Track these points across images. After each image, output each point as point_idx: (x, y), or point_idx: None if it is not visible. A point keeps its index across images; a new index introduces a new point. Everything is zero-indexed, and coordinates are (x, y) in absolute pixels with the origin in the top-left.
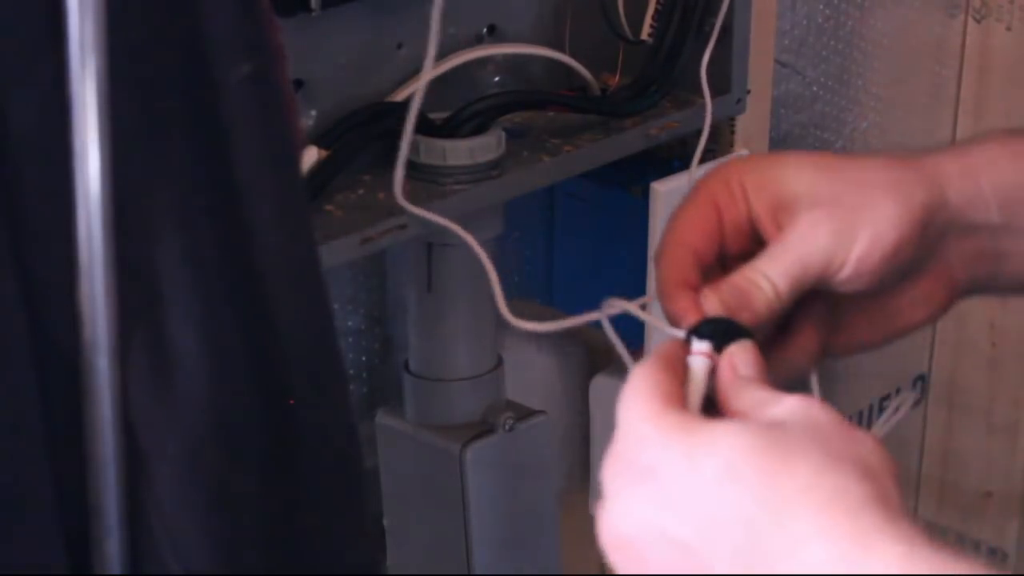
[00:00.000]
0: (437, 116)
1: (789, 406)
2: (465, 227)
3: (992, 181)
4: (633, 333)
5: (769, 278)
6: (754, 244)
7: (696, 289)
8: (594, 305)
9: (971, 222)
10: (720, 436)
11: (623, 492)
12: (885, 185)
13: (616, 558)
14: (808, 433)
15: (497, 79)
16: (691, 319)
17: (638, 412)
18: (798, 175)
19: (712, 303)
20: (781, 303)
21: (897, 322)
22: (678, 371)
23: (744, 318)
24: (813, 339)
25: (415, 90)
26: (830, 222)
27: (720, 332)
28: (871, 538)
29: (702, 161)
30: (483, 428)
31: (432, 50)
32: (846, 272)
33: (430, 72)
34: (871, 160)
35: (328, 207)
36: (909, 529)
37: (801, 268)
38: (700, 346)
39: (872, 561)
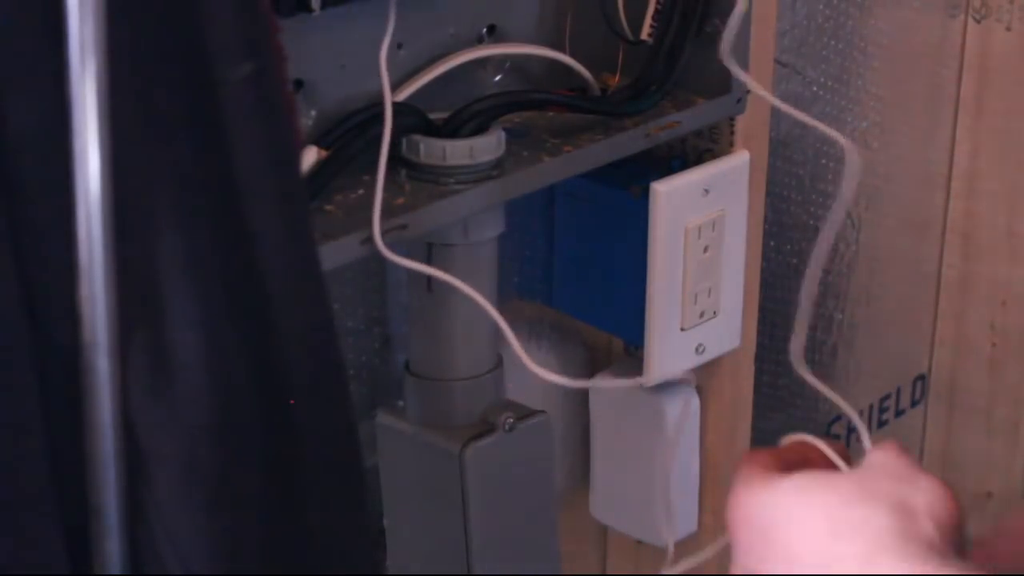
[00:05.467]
0: (437, 116)
1: (871, 455)
2: (465, 227)
3: None
4: (633, 333)
5: None
6: None
7: None
8: (594, 305)
9: None
10: (781, 487)
11: (732, 541)
12: None
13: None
14: (860, 476)
15: (497, 79)
16: None
17: (740, 475)
18: None
19: None
20: None
21: None
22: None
23: None
24: None
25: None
26: None
27: None
28: (881, 561)
29: (701, 161)
30: (483, 428)
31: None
32: None
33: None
34: None
35: (328, 207)
36: (928, 552)
37: None
38: None
39: None
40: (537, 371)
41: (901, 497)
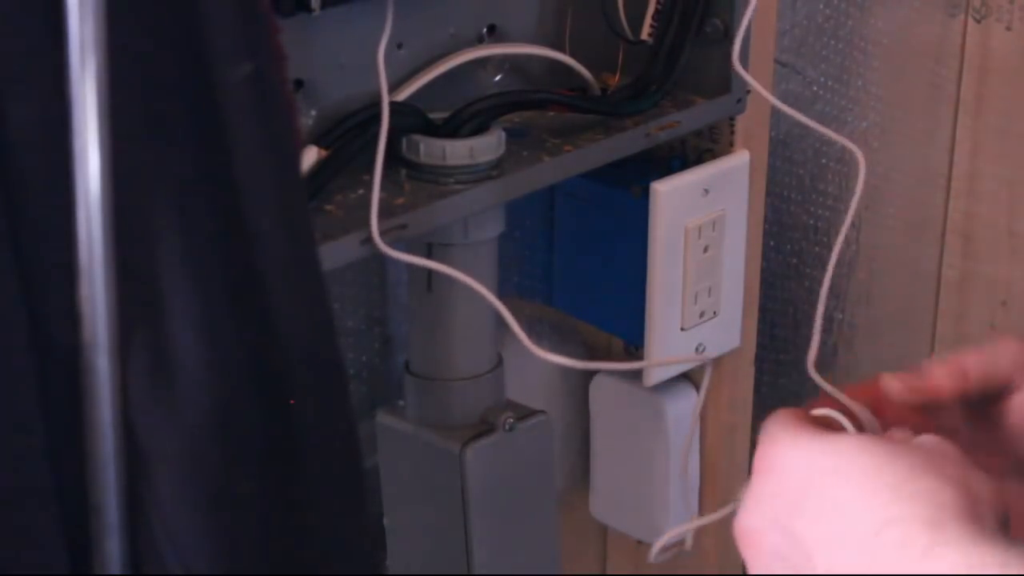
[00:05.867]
0: (437, 116)
1: (923, 438)
2: (465, 227)
3: None
4: (633, 333)
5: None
6: None
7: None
8: (594, 305)
9: None
10: (840, 440)
11: (754, 488)
12: None
13: (742, 549)
14: (923, 452)
15: (497, 79)
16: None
17: (779, 424)
18: None
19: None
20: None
21: None
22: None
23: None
24: None
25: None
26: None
27: None
28: (946, 529)
29: (701, 161)
30: (483, 428)
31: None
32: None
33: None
34: None
35: (328, 207)
36: (991, 535)
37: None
38: None
39: (942, 548)
40: (541, 355)
41: (967, 481)
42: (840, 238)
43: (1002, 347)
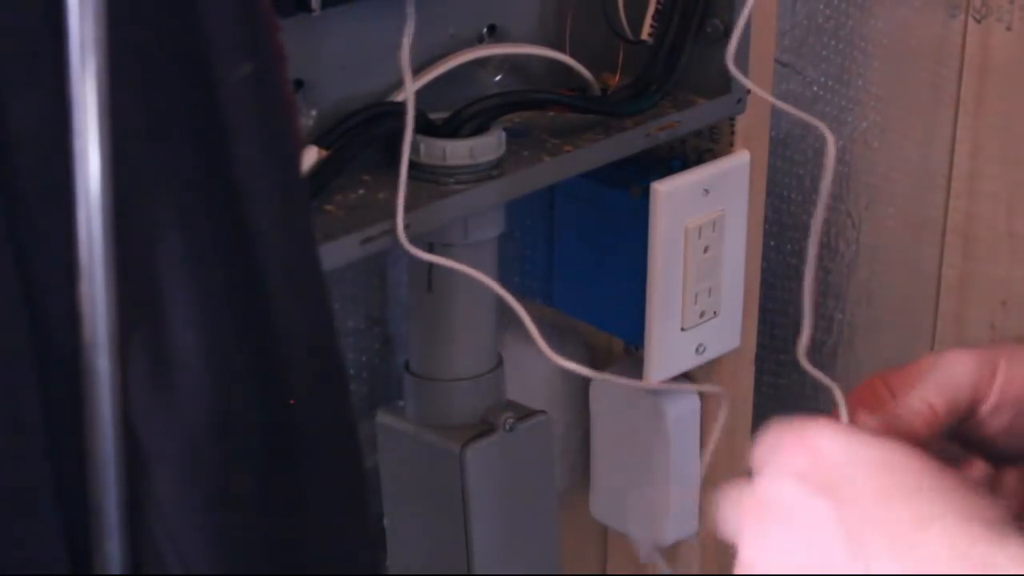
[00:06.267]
0: (437, 116)
1: None
2: (465, 227)
3: None
4: (633, 333)
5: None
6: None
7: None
8: (594, 305)
9: None
10: (891, 441)
11: (778, 464)
12: None
13: (745, 522)
14: (964, 477)
15: (497, 79)
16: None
17: (818, 420)
18: None
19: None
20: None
21: None
22: None
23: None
24: None
25: (413, 89)
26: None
27: None
28: (995, 536)
29: (701, 161)
30: (483, 428)
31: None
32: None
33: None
34: None
35: (328, 207)
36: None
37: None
38: None
39: (987, 547)
40: (553, 357)
41: (1004, 510)
42: (818, 213)
43: (952, 364)
